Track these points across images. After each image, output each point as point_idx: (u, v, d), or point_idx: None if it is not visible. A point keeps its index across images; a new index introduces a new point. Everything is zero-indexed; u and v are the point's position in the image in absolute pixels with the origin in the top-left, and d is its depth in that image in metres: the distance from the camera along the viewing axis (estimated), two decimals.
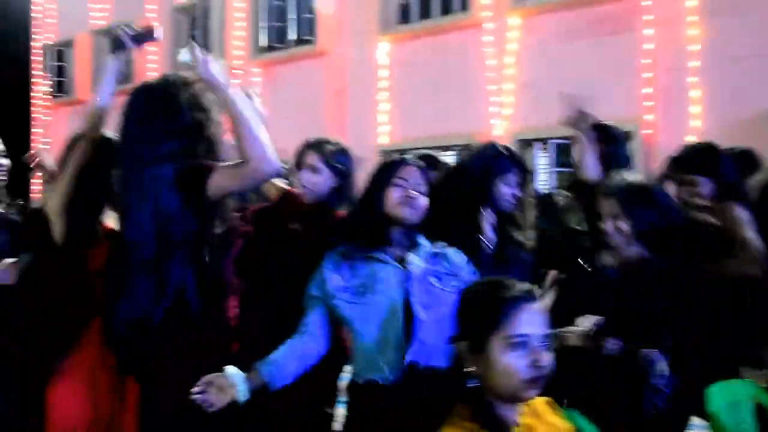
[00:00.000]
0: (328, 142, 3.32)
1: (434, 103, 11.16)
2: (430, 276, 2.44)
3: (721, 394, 2.67)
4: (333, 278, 2.46)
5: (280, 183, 3.72)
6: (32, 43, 17.80)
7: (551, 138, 10.20)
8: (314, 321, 2.51)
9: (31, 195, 14.57)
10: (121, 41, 2.84)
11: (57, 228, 2.67)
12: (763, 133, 8.22)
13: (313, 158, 3.20)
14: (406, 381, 2.31)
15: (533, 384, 1.78)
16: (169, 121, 2.45)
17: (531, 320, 1.79)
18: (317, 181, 3.17)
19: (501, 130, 10.52)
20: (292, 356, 2.44)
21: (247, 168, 2.34)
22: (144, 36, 2.92)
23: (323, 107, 12.31)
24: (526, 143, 10.43)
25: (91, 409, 2.58)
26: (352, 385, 2.48)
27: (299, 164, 3.26)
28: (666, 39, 9.07)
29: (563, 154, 10.21)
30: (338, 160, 3.24)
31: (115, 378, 2.61)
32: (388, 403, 2.31)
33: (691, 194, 3.60)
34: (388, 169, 2.55)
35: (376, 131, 11.80)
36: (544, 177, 10.49)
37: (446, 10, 11.41)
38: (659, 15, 9.09)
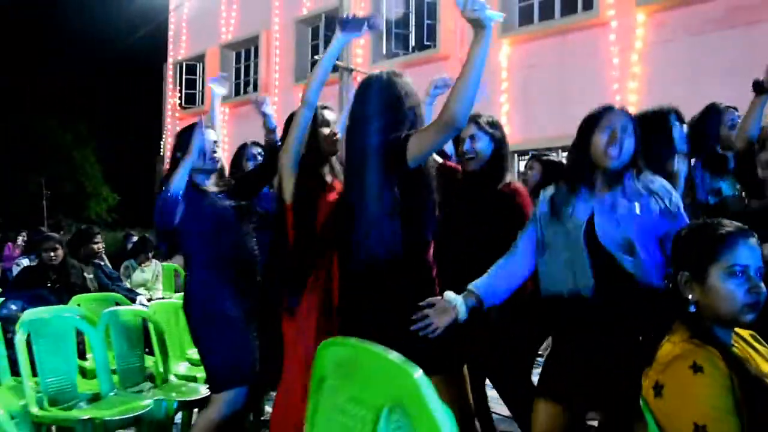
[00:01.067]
0: (480, 115, 3.46)
1: (555, 103, 11.13)
2: (621, 202, 2.57)
3: None
4: (542, 205, 2.74)
5: (436, 157, 3.89)
6: (169, 59, 19.15)
7: None
8: (523, 243, 2.73)
9: None
10: (352, 23, 3.02)
11: (287, 186, 2.97)
12: None
13: (470, 128, 3.34)
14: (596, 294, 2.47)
15: (752, 308, 1.92)
16: (385, 101, 2.67)
17: (749, 253, 1.94)
18: (478, 147, 3.31)
19: None
20: (502, 276, 2.66)
21: (443, 118, 2.49)
22: (365, 22, 3.01)
23: None
24: None
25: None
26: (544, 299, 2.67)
27: (459, 138, 3.39)
28: None
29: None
30: (492, 126, 3.39)
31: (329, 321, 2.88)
32: (582, 314, 2.50)
33: None
34: (596, 115, 2.67)
35: None
36: None
37: (568, 10, 11.39)
38: None
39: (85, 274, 4.99)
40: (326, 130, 3.05)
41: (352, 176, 2.70)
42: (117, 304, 4.31)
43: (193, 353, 4.23)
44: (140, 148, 36.62)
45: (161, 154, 35.01)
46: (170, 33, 19.28)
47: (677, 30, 9.94)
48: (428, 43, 12.97)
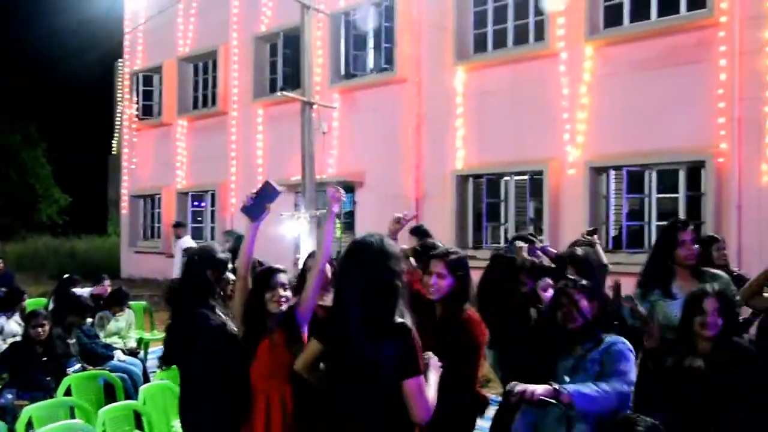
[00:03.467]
0: (449, 252, 3.71)
1: (508, 129, 11.58)
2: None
3: None
4: None
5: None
6: (124, 69, 19.04)
7: (624, 165, 10.53)
8: None
9: None
10: (254, 211, 3.44)
11: (239, 327, 3.42)
12: None
13: (439, 266, 3.60)
14: None
15: None
16: (383, 262, 2.81)
17: None
18: (443, 284, 3.60)
19: (574, 157, 10.91)
20: None
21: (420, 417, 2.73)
22: (268, 195, 3.44)
23: (401, 132, 12.89)
24: (599, 170, 10.79)
25: None
26: None
27: (427, 271, 3.69)
28: (741, 69, 9.30)
29: (635, 181, 10.54)
30: (460, 267, 3.61)
31: None
32: None
33: None
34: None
35: (451, 156, 12.30)
36: (617, 203, 10.81)
37: (521, 40, 11.84)
38: (735, 45, 9.34)
39: (68, 341, 5.24)
40: (270, 294, 3.34)
41: (344, 338, 2.79)
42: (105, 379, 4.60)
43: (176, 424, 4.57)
44: (91, 148, 36.12)
45: (113, 153, 34.65)
46: (126, 42, 19.18)
47: (623, 65, 10.48)
48: (386, 66, 13.31)
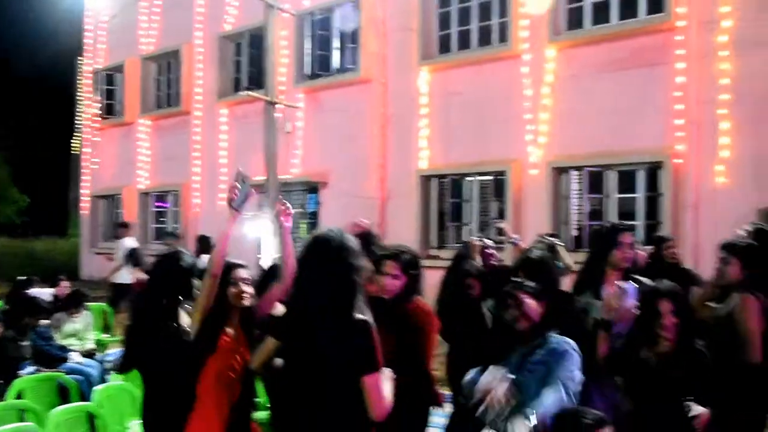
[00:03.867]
0: (403, 252, 3.77)
1: (472, 130, 11.66)
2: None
3: None
4: None
5: None
6: (83, 67, 18.69)
7: (585, 166, 10.68)
8: None
9: None
10: (240, 201, 3.36)
11: (192, 328, 3.30)
12: None
13: (393, 267, 3.66)
14: None
15: None
16: (343, 257, 2.80)
17: None
18: (397, 284, 3.65)
19: (536, 158, 11.02)
20: None
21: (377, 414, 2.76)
22: (245, 184, 3.37)
23: (366, 132, 12.89)
24: (561, 170, 10.92)
25: None
26: None
27: (379, 270, 3.71)
28: (698, 72, 9.50)
29: (596, 181, 10.70)
30: (412, 266, 3.72)
31: None
32: None
33: None
34: None
35: (416, 156, 12.34)
36: (577, 203, 10.95)
37: (485, 41, 11.92)
38: (691, 49, 9.54)
39: (21, 344, 5.12)
40: (234, 289, 3.26)
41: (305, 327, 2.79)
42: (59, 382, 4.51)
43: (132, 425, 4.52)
44: (51, 148, 35.41)
45: (73, 152, 33.98)
46: (87, 40, 18.86)
47: (586, 66, 10.61)
48: (351, 66, 13.29)
